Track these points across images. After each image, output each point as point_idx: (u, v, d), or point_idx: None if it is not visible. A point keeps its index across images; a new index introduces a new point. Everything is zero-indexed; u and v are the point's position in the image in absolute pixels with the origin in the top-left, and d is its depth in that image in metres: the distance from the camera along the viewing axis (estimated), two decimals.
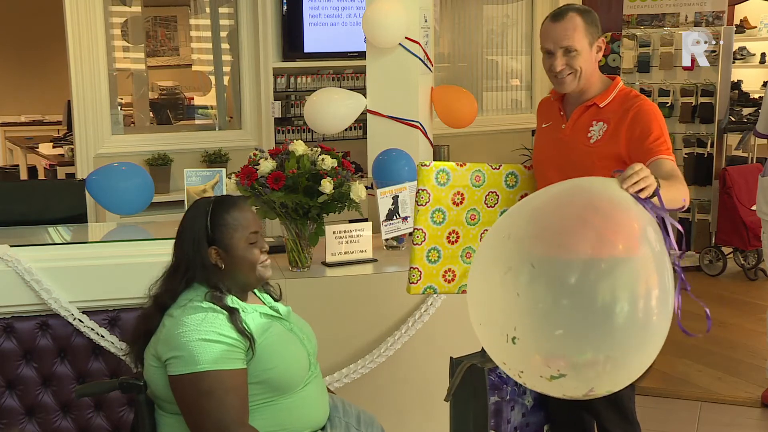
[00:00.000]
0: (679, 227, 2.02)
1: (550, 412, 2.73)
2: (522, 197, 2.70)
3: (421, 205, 2.54)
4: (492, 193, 2.64)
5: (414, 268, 2.59)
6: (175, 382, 2.00)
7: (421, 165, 2.54)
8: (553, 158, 2.60)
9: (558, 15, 2.52)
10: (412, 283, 2.61)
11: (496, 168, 2.64)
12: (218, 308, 2.06)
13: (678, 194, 2.29)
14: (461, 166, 2.59)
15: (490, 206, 2.65)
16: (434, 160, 5.13)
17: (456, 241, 2.62)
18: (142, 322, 2.16)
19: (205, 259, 2.10)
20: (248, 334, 2.06)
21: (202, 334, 1.99)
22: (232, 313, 2.06)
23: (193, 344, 1.98)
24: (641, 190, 1.97)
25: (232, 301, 2.11)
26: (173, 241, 2.20)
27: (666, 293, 1.87)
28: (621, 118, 2.48)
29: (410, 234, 2.60)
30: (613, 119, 2.49)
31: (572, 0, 6.62)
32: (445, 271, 2.63)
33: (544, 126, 2.69)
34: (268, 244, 2.25)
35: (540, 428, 2.75)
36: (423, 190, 2.54)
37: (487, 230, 2.67)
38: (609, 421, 2.60)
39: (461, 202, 2.60)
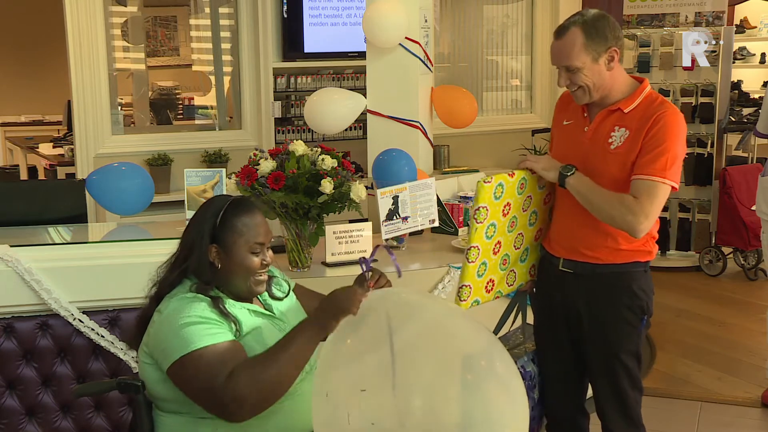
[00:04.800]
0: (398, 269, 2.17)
1: (546, 410, 2.73)
2: (547, 197, 2.67)
3: (480, 222, 2.46)
4: (528, 197, 2.61)
5: (466, 286, 2.52)
6: (171, 374, 2.01)
7: (483, 182, 2.45)
8: (574, 161, 2.52)
9: (559, 32, 2.46)
10: (463, 300, 2.53)
11: (533, 171, 2.60)
12: (200, 296, 2.08)
13: (605, 207, 2.40)
14: (511, 176, 2.52)
15: (525, 210, 2.61)
16: (434, 160, 5.15)
17: (498, 251, 2.58)
18: (144, 307, 2.19)
19: (204, 255, 2.11)
20: (232, 317, 2.07)
21: (184, 319, 2.01)
22: (215, 299, 2.08)
23: (176, 332, 2.00)
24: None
25: (217, 293, 2.12)
26: (174, 239, 2.21)
27: (516, 389, 1.95)
28: (642, 126, 2.42)
29: (466, 252, 2.48)
30: (634, 126, 2.43)
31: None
32: (488, 282, 2.60)
33: (565, 123, 2.61)
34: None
35: (540, 421, 2.76)
36: (483, 208, 2.46)
37: (521, 234, 2.64)
38: (614, 423, 2.60)
39: (508, 213, 2.55)
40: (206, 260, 2.11)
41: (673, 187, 2.41)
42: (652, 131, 2.39)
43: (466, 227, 3.84)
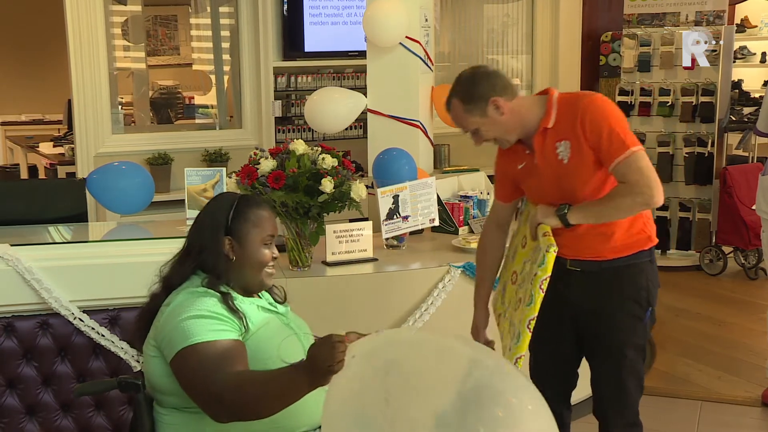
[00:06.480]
0: None
1: None
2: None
3: (543, 291, 2.39)
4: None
5: (522, 357, 2.43)
6: (173, 364, 2.02)
7: (554, 252, 2.39)
8: (548, 191, 2.52)
9: (446, 106, 2.55)
10: None
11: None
12: (211, 291, 2.10)
13: (614, 211, 2.40)
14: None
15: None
16: (434, 159, 5.13)
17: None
18: (147, 303, 2.19)
19: (218, 247, 2.14)
20: (241, 314, 2.09)
21: (193, 311, 2.03)
22: (225, 296, 2.10)
23: (183, 323, 2.02)
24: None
25: (227, 289, 2.14)
26: (174, 238, 2.21)
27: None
28: (574, 129, 2.42)
29: (528, 322, 2.39)
30: (570, 134, 2.43)
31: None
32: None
33: (519, 167, 2.59)
34: None
35: None
36: (549, 277, 2.39)
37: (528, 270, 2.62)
38: (613, 421, 2.60)
39: None
40: (221, 252, 2.14)
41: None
42: (586, 128, 2.40)
43: (467, 226, 3.84)
